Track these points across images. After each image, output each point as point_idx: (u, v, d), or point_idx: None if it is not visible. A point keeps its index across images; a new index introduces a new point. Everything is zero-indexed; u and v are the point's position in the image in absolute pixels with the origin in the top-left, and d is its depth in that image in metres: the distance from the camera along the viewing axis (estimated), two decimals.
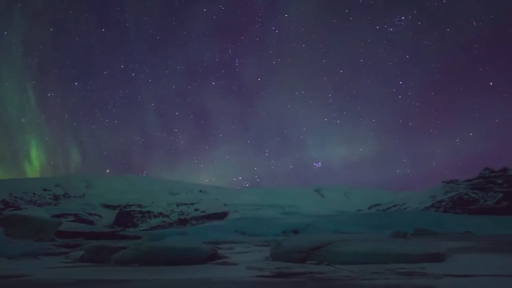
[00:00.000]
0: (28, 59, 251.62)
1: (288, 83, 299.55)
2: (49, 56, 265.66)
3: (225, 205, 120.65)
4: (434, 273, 7.80)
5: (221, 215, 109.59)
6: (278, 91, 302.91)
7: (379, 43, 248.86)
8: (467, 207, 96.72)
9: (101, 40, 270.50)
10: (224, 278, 8.07)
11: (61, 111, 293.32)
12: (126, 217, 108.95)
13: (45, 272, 9.81)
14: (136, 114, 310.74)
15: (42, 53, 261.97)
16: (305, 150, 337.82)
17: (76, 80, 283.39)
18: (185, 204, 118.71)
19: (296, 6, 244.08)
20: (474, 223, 57.40)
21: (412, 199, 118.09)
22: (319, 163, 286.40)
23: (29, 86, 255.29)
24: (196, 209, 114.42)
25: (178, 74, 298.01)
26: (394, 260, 9.64)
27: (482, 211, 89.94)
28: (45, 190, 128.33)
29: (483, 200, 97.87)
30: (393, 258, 9.75)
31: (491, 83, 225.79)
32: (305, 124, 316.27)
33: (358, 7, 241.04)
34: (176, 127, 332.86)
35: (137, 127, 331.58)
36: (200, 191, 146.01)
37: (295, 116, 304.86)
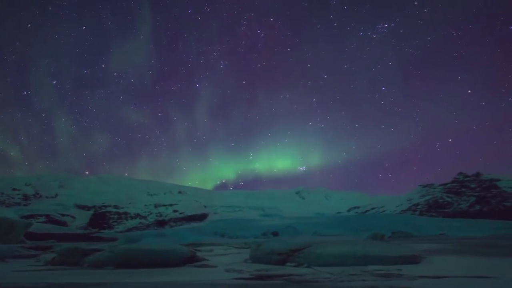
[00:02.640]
0: (3, 55, 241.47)
1: (273, 86, 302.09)
2: (26, 53, 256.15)
3: (204, 206, 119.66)
4: (410, 274, 7.94)
5: (201, 217, 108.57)
6: (263, 94, 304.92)
7: (363, 49, 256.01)
8: (442, 210, 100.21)
9: (81, 38, 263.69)
10: (202, 280, 7.92)
11: (37, 110, 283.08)
12: (101, 218, 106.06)
13: (13, 276, 9.33)
14: (117, 115, 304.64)
15: (19, 50, 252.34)
16: (289, 154, 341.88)
17: (55, 79, 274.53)
18: (164, 205, 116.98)
19: (282, 10, 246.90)
20: (448, 225, 59.51)
21: (390, 202, 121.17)
22: (304, 167, 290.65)
23: (4, 83, 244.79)
24: (174, 211, 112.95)
25: (162, 75, 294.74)
26: (371, 262, 9.78)
27: (456, 214, 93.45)
28: (14, 189, 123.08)
29: (457, 203, 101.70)
30: (370, 260, 9.89)
31: (469, 91, 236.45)
32: (290, 127, 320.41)
33: (343, 14, 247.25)
34: (158, 128, 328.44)
35: (118, 128, 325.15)
36: (179, 192, 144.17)
37: (280, 120, 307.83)
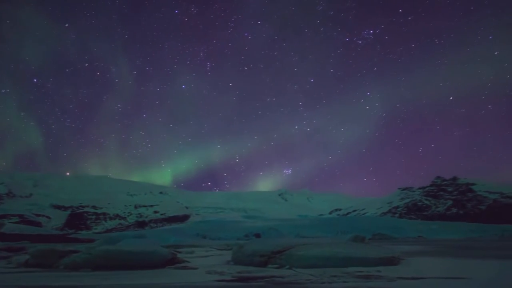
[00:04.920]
0: None
1: (259, 89, 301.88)
2: (4, 49, 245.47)
3: (186, 207, 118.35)
4: (389, 276, 8.09)
5: (182, 218, 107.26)
6: (250, 97, 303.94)
7: (349, 54, 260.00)
8: (420, 213, 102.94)
9: (64, 36, 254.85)
10: (183, 282, 7.80)
11: (16, 109, 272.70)
12: (78, 219, 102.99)
13: None
14: (100, 115, 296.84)
15: None
16: (275, 157, 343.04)
17: (35, 77, 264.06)
18: (144, 206, 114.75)
19: (269, 14, 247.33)
20: (426, 228, 61.14)
21: (371, 205, 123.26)
22: (289, 170, 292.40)
23: None
24: (155, 212, 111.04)
25: (147, 75, 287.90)
26: (352, 264, 9.90)
27: (434, 217, 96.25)
28: None
29: (435, 206, 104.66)
30: (351, 262, 10.01)
31: (451, 98, 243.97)
32: (276, 131, 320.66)
33: (329, 19, 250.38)
34: (143, 129, 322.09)
35: (101, 129, 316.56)
36: (161, 192, 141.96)
37: (266, 123, 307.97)
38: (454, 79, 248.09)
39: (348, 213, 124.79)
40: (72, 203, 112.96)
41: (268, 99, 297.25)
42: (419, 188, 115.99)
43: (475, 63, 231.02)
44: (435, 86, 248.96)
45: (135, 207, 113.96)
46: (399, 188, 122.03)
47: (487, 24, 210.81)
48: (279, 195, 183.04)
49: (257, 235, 59.43)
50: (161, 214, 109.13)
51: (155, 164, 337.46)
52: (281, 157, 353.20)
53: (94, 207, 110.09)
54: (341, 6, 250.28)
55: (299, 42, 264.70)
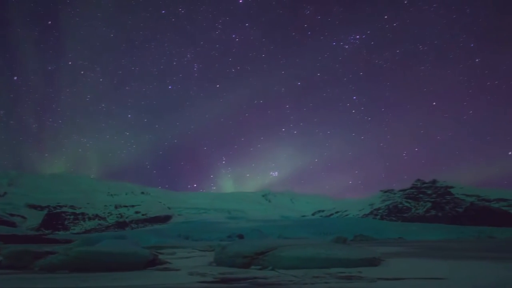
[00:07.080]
0: None
1: (246, 91, 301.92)
2: None
3: (169, 208, 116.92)
4: (370, 276, 8.19)
5: (164, 219, 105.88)
6: (237, 99, 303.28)
7: (335, 59, 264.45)
8: (401, 215, 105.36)
9: (46, 33, 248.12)
10: (164, 284, 7.66)
11: None
12: (55, 219, 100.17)
13: None
14: (84, 115, 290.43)
15: None
16: (262, 159, 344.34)
17: (16, 74, 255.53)
18: (125, 206, 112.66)
19: (257, 16, 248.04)
20: (406, 229, 62.58)
21: (353, 206, 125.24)
22: (276, 172, 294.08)
23: None
24: (137, 212, 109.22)
25: (133, 75, 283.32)
26: (334, 265, 9.98)
27: (414, 218, 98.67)
28: None
29: (414, 208, 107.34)
30: (333, 262, 10.09)
31: (434, 103, 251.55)
32: (263, 133, 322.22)
33: (316, 23, 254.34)
34: (128, 130, 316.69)
35: (84, 129, 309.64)
36: (142, 192, 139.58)
37: (253, 125, 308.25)
38: (437, 85, 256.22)
39: (330, 215, 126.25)
40: (49, 202, 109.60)
41: (255, 102, 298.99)
42: (400, 191, 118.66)
43: (457, 70, 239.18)
44: (419, 91, 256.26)
45: (116, 207, 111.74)
46: (380, 190, 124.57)
47: (469, 32, 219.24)
48: (263, 196, 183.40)
49: (240, 236, 59.25)
50: (143, 215, 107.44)
51: (140, 166, 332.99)
52: (267, 159, 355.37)
53: (72, 206, 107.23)
54: (328, 11, 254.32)
55: (286, 46, 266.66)
